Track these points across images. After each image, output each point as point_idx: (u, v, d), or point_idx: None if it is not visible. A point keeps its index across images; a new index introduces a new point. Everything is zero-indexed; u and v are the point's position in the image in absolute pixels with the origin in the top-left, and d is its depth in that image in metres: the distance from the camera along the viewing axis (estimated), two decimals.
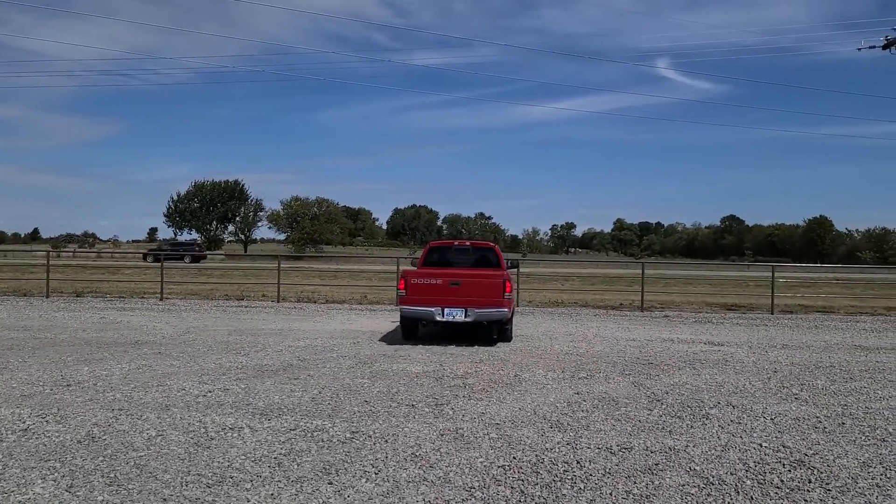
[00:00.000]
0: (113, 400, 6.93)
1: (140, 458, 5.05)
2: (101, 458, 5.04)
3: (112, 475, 4.70)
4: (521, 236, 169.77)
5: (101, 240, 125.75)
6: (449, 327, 12.62)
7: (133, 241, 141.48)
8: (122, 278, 29.38)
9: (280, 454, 5.22)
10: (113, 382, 7.82)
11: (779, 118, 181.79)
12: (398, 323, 14.47)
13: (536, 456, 5.28)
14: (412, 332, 12.18)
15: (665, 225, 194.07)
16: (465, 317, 11.44)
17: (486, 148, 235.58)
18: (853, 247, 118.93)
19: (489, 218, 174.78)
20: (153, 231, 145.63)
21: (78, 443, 5.43)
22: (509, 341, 12.15)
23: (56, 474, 4.70)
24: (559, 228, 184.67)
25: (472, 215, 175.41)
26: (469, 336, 12.64)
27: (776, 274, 22.87)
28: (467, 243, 14.02)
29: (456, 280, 11.61)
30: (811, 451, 5.50)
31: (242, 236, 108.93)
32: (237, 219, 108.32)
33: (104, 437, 5.58)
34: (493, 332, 12.15)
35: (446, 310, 11.44)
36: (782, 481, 4.79)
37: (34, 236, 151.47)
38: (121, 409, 6.55)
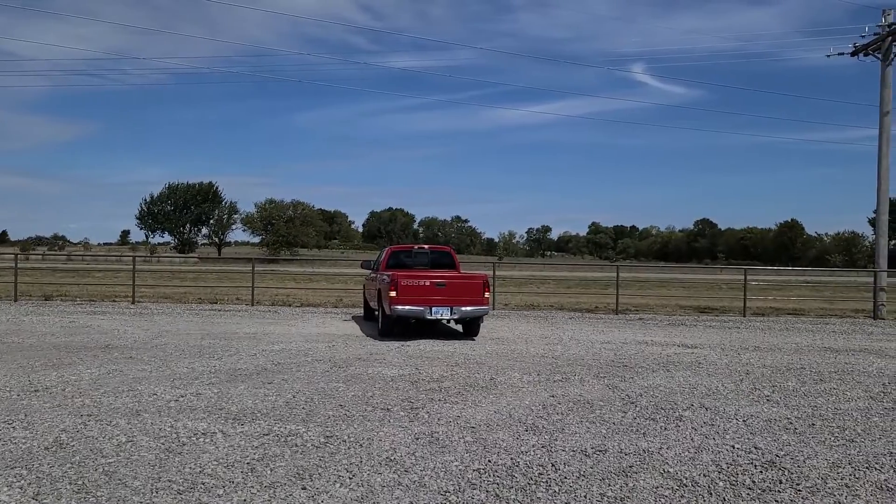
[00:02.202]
0: (82, 405, 6.80)
1: (109, 465, 4.96)
2: (68, 465, 4.94)
3: (80, 482, 4.60)
4: (497, 239, 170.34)
5: (71, 242, 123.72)
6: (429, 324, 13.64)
7: (104, 244, 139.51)
8: (93, 281, 28.92)
9: (253, 459, 5.16)
10: (82, 387, 7.67)
11: (751, 123, 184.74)
12: (375, 325, 14.43)
13: (511, 459, 5.27)
14: (393, 330, 12.92)
15: (640, 228, 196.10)
16: (452, 315, 12.53)
17: (463, 151, 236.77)
18: (823, 250, 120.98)
19: (465, 221, 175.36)
20: (125, 234, 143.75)
21: (45, 449, 5.31)
22: (476, 335, 13.26)
23: (22, 481, 4.59)
24: (535, 232, 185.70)
25: (449, 218, 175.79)
26: (441, 333, 12.64)
27: (748, 277, 23.18)
28: (426, 247, 15.51)
29: (441, 281, 12.62)
30: (782, 453, 5.57)
31: (216, 239, 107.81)
32: (211, 221, 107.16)
33: (72, 444, 5.47)
34: (473, 328, 13.31)
35: (433, 309, 12.41)
36: (754, 482, 4.84)
37: (2, 239, 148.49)
38: (90, 414, 6.43)
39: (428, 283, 12.50)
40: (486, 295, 12.85)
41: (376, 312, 14.28)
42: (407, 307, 12.34)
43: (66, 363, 9.32)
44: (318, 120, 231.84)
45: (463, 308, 12.53)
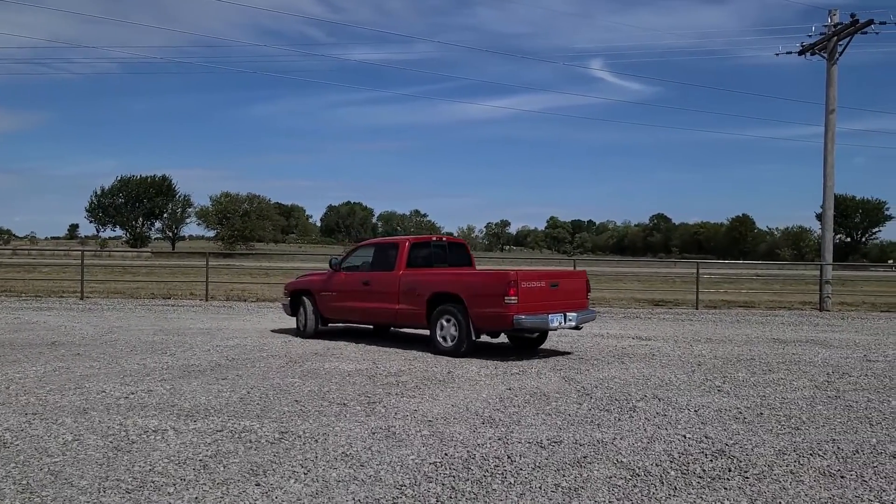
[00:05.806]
0: (26, 404, 6.60)
1: (55, 464, 4.82)
2: (12, 465, 4.79)
3: (24, 482, 4.46)
4: (455, 234, 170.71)
5: (16, 236, 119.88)
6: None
7: (52, 238, 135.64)
8: (39, 276, 28.07)
9: (206, 456, 5.07)
10: (27, 385, 7.45)
11: (706, 120, 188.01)
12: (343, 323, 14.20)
13: (468, 452, 5.29)
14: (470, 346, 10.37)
15: (597, 223, 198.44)
16: (566, 322, 10.27)
17: (422, 145, 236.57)
18: (773, 244, 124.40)
19: (424, 215, 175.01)
20: (74, 227, 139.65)
21: None
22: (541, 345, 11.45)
23: None
24: (494, 226, 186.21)
25: (408, 213, 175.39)
26: (409, 336, 12.59)
27: (701, 271, 23.65)
28: (444, 239, 12.73)
29: (555, 281, 10.50)
30: (731, 441, 5.70)
31: (170, 233, 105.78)
32: (164, 215, 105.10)
33: (16, 443, 5.31)
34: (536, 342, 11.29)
35: (550, 315, 10.08)
36: (704, 471, 4.94)
37: None
38: (35, 413, 6.24)
39: (544, 285, 10.23)
40: (589, 296, 11.05)
41: (374, 325, 12.22)
42: (532, 317, 9.81)
43: (11, 360, 9.03)
44: (275, 113, 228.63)
45: (578, 314, 10.41)
